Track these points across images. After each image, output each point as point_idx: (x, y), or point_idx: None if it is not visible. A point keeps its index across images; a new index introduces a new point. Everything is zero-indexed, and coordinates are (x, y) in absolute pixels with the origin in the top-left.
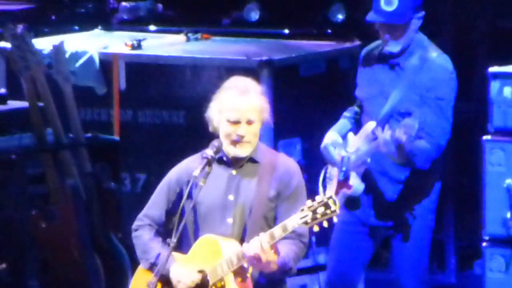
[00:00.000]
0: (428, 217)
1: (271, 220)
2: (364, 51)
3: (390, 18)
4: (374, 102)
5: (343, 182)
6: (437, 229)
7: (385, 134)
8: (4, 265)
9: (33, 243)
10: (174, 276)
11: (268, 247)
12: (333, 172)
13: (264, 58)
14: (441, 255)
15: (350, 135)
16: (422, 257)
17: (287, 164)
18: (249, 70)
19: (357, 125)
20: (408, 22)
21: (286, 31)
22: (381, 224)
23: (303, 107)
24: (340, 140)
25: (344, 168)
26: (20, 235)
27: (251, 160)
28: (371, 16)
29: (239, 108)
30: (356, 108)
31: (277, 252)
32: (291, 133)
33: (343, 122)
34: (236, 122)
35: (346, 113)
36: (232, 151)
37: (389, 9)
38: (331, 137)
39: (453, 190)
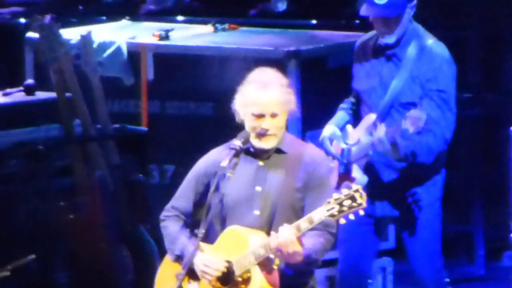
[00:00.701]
0: (435, 205)
1: (299, 211)
2: (358, 42)
3: (382, 11)
4: (373, 94)
5: (345, 175)
6: (465, 221)
7: (380, 133)
8: (33, 256)
9: (61, 235)
10: (199, 265)
11: (294, 238)
12: (332, 165)
13: (292, 49)
14: (469, 247)
15: (349, 127)
16: (434, 246)
17: (314, 154)
18: (277, 61)
19: (354, 117)
20: (401, 14)
21: (314, 21)
22: (387, 215)
23: (331, 98)
24: (338, 132)
25: (344, 161)
26: (47, 227)
27: (278, 151)
28: (364, 10)
29: (262, 102)
30: (352, 99)
31: (301, 243)
32: (319, 124)
33: (341, 114)
34: (260, 116)
35: (343, 105)
36: (257, 144)
37: (381, 2)
38: (329, 130)
39: (481, 182)
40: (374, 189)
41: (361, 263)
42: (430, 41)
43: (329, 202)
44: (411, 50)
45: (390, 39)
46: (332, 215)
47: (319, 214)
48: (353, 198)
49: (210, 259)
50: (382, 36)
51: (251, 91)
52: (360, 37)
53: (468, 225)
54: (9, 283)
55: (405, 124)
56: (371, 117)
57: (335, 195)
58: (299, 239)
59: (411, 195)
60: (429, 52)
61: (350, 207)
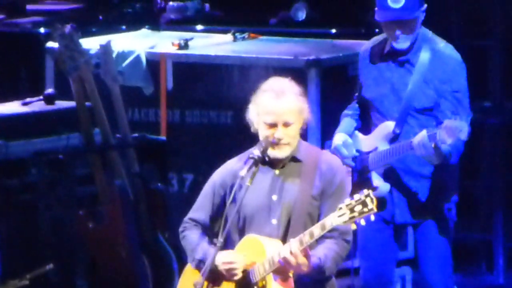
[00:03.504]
0: (452, 212)
1: (316, 218)
2: (364, 50)
3: (400, 14)
4: (386, 100)
5: (361, 182)
6: (485, 230)
7: (422, 138)
8: (51, 265)
9: (81, 243)
10: (220, 264)
11: (298, 251)
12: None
13: (312, 57)
14: (489, 256)
15: (359, 134)
16: (447, 253)
17: (330, 161)
18: (297, 69)
19: (362, 123)
20: (417, 17)
21: (333, 30)
22: (407, 222)
23: None
24: (350, 140)
25: (358, 168)
26: (68, 236)
27: (294, 159)
28: (380, 15)
29: (275, 111)
30: (356, 105)
31: (307, 255)
32: None
33: (348, 121)
34: (273, 125)
35: (348, 111)
36: (271, 153)
37: (397, 6)
38: (340, 137)
39: (502, 191)
40: (393, 196)
41: (383, 269)
42: (441, 44)
43: (340, 208)
44: (424, 54)
45: (404, 44)
46: (344, 221)
47: (330, 219)
48: (364, 204)
49: (228, 255)
50: (397, 42)
51: (264, 100)
52: (364, 45)
53: (488, 234)
54: None
55: (440, 135)
56: (388, 125)
57: (347, 201)
58: (305, 250)
59: (431, 201)
60: (441, 55)
61: (361, 213)
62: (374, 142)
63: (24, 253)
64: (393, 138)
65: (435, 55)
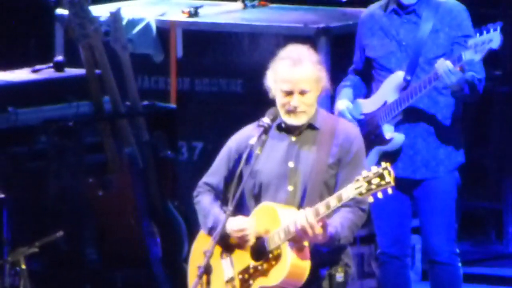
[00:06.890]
0: (455, 173)
1: (332, 187)
2: (366, 15)
3: None
4: (393, 57)
5: (372, 142)
6: (495, 198)
7: (448, 64)
8: (61, 233)
9: (90, 211)
10: (232, 231)
11: (315, 221)
12: None
13: (322, 25)
14: (498, 225)
15: (360, 100)
16: (450, 215)
17: (347, 129)
18: (307, 38)
19: (360, 92)
20: None
21: None
22: (408, 177)
23: None
24: (351, 105)
25: (366, 130)
26: (77, 204)
27: (311, 126)
28: None
29: (292, 79)
30: (351, 77)
31: (324, 225)
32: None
33: (347, 90)
34: (289, 93)
35: (345, 83)
36: (287, 120)
37: None
38: (343, 103)
39: None
40: (398, 150)
41: (400, 232)
42: None
43: (357, 180)
44: (429, 7)
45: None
46: (360, 193)
47: (348, 192)
48: (381, 176)
49: (239, 222)
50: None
51: (281, 68)
52: (364, 11)
53: (497, 203)
54: (38, 259)
55: (467, 56)
56: (398, 74)
57: (364, 173)
58: (322, 220)
59: (434, 161)
60: (446, 6)
61: (378, 185)
62: (382, 97)
63: (33, 221)
64: (404, 87)
65: (440, 7)
